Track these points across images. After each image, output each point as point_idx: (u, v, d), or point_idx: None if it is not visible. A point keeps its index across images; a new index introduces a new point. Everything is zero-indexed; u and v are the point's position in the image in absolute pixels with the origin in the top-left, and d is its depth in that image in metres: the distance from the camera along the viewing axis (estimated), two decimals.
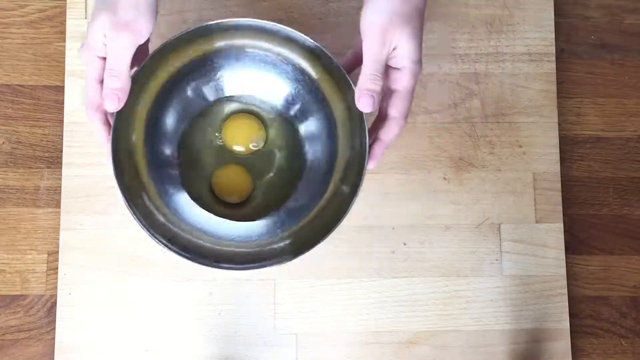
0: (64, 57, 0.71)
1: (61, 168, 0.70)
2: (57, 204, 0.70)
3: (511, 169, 0.72)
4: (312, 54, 0.62)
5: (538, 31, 0.73)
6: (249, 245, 0.64)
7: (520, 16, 0.73)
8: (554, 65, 0.73)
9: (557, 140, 0.72)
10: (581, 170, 0.74)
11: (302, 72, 0.65)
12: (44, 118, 0.71)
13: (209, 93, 0.67)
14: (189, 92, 0.66)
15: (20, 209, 0.70)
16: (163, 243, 0.60)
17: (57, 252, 0.69)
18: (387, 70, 0.57)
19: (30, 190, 0.70)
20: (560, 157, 0.72)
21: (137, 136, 0.63)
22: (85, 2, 0.71)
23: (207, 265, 0.61)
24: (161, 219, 0.63)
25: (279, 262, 0.61)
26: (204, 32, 0.62)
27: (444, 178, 0.71)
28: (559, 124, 0.73)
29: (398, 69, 0.57)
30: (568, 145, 0.74)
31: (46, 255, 0.70)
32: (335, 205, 0.63)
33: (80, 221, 0.69)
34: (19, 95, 0.71)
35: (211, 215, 0.65)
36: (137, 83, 0.61)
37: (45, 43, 0.72)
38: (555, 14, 0.74)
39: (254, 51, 0.65)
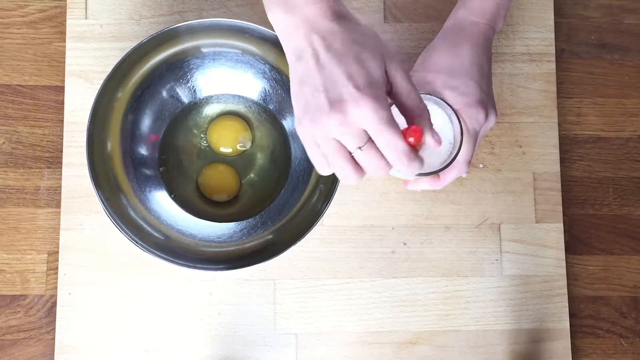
0: (64, 57, 0.71)
1: (61, 168, 0.70)
2: (57, 204, 0.70)
3: (511, 169, 0.72)
4: None
5: (538, 31, 0.73)
6: (230, 245, 0.65)
7: (520, 16, 0.73)
8: (553, 65, 0.73)
9: (557, 140, 0.72)
10: (581, 170, 0.74)
11: (278, 70, 0.65)
12: (44, 118, 0.71)
13: (187, 94, 0.67)
14: (165, 94, 0.66)
15: (20, 209, 0.70)
16: (138, 243, 0.61)
17: (57, 252, 0.69)
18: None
19: (30, 190, 0.70)
20: (560, 157, 0.72)
21: (113, 139, 0.63)
22: (86, 2, 0.71)
23: (185, 266, 0.62)
24: (137, 219, 0.63)
25: (259, 261, 0.61)
26: (176, 34, 0.62)
27: None
28: (559, 124, 0.73)
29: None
30: (568, 145, 0.74)
31: (46, 255, 0.70)
32: (313, 205, 0.63)
33: (80, 221, 0.69)
34: (19, 95, 0.71)
35: (192, 216, 0.66)
36: (111, 86, 0.61)
37: (45, 43, 0.72)
38: (555, 14, 0.74)
39: (229, 51, 0.65)
